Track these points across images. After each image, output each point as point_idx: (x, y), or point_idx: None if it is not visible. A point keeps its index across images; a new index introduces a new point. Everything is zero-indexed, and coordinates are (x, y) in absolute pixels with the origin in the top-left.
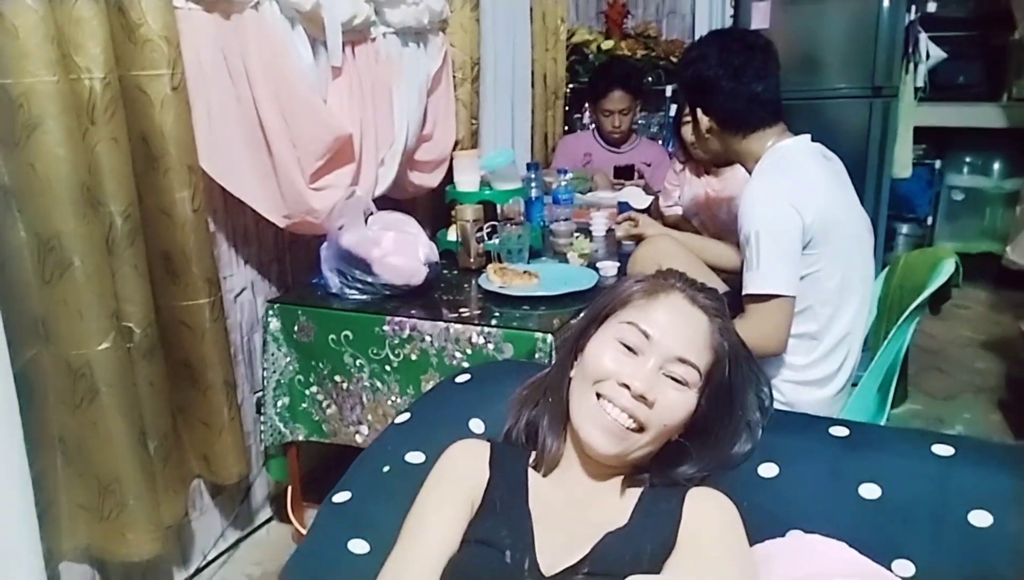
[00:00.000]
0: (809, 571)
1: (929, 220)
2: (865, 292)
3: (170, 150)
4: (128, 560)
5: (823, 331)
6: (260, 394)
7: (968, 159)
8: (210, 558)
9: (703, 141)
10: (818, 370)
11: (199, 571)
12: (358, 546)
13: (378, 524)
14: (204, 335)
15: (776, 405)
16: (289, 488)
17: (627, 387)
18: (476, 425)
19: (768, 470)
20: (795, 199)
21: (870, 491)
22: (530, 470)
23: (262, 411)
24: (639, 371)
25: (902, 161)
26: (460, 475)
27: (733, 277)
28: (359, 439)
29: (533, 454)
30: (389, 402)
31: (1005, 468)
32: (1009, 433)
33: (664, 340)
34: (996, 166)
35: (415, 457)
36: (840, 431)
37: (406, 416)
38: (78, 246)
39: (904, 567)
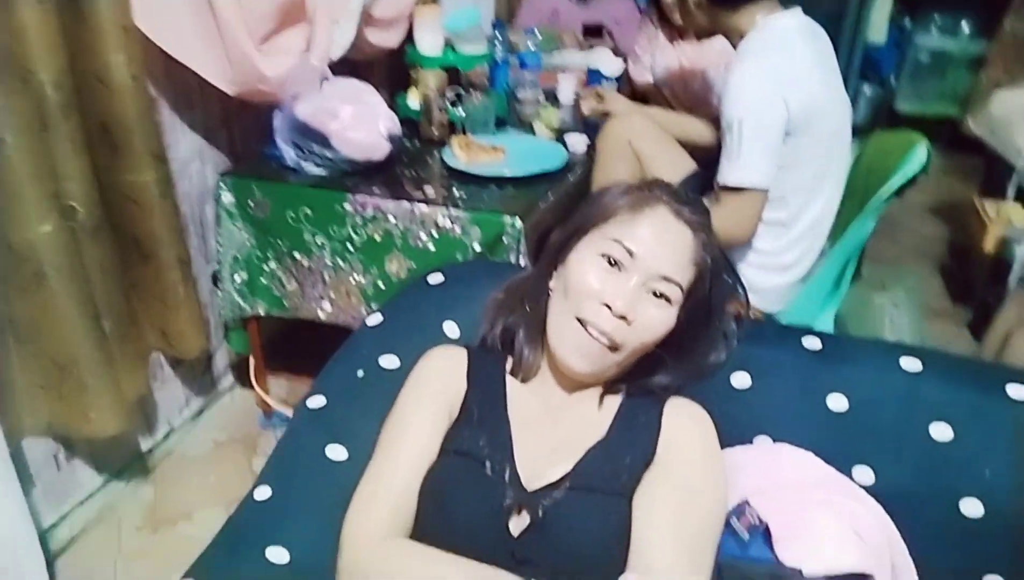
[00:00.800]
0: (776, 479)
1: (893, 81)
2: (839, 181)
3: (100, 8)
4: (92, 437)
5: (793, 220)
6: (216, 268)
7: (938, 18)
8: (175, 426)
9: (688, 15)
10: (784, 257)
11: (165, 438)
12: (336, 452)
13: (355, 430)
14: (153, 211)
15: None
16: (251, 359)
17: (608, 307)
18: (450, 328)
19: (741, 379)
20: (782, 87)
21: (838, 402)
22: (508, 377)
23: (219, 285)
24: (621, 289)
25: (877, 25)
26: (437, 383)
27: (705, 154)
28: (323, 315)
29: (510, 360)
30: (352, 280)
31: (969, 383)
32: (947, 298)
33: (648, 257)
34: (965, 26)
35: (389, 361)
36: (813, 343)
37: (378, 318)
38: (8, 122)
39: (864, 473)
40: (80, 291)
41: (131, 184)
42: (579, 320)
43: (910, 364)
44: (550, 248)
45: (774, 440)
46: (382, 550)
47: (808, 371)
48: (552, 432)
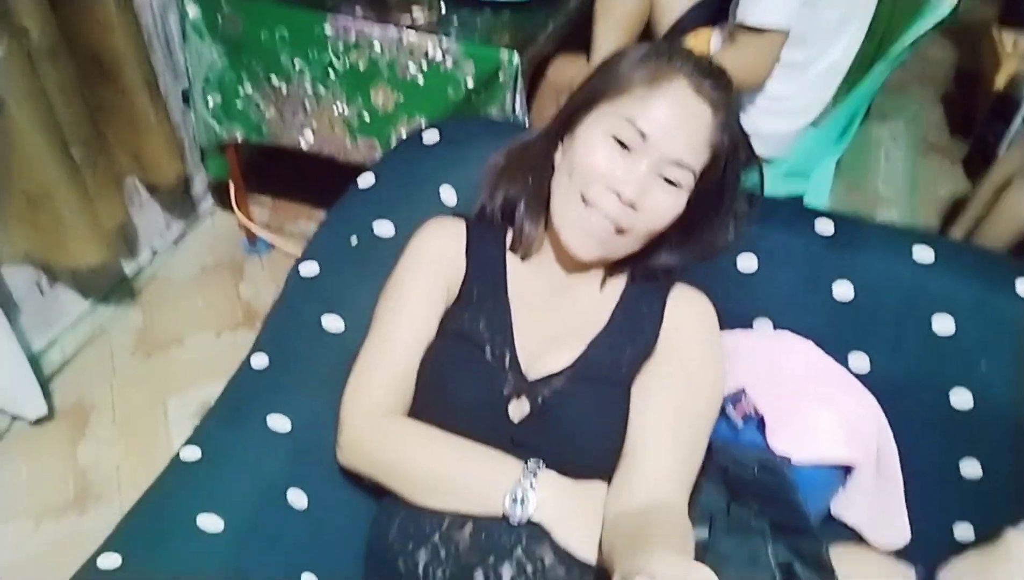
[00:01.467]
0: (774, 369)
1: None
2: (864, 22)
3: None
4: (74, 267)
5: (811, 62)
6: (186, 87)
7: None
8: (158, 250)
9: None
10: (795, 101)
11: (149, 263)
12: (332, 322)
13: (350, 300)
14: (112, 27)
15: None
16: (231, 184)
17: (616, 194)
18: (447, 193)
19: (747, 262)
20: None
21: (843, 290)
22: (508, 254)
23: (191, 105)
24: (631, 174)
25: None
26: (435, 260)
27: None
28: (304, 145)
29: (510, 234)
30: (335, 110)
31: (979, 276)
32: (945, 130)
33: (661, 141)
34: None
35: (384, 228)
36: (826, 228)
37: (370, 179)
38: None
39: (861, 360)
40: (42, 118)
41: None
42: (583, 198)
43: (922, 254)
44: (557, 120)
45: (775, 325)
46: (380, 428)
47: (817, 257)
48: (553, 317)
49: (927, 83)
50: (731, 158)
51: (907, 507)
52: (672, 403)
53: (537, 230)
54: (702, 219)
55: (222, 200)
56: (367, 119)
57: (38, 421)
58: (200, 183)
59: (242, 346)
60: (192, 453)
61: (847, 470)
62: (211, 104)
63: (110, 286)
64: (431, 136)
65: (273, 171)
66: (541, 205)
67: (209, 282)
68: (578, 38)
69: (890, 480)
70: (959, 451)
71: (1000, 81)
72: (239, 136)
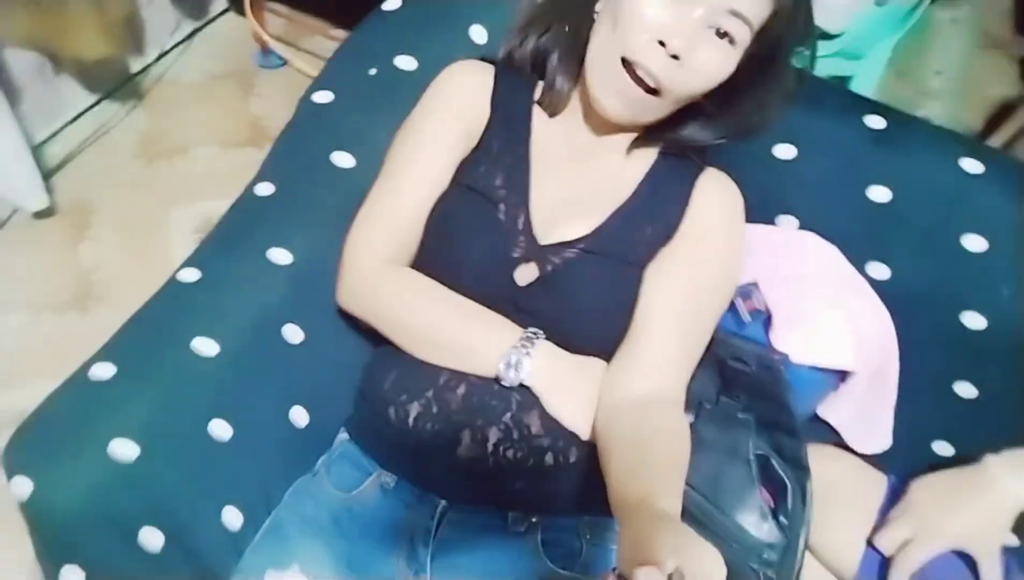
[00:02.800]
0: (790, 269)
1: None
2: None
3: None
4: (78, 56)
5: None
6: None
7: None
8: (166, 49)
9: None
10: None
11: (156, 61)
12: (342, 159)
13: (364, 136)
14: None
15: None
16: None
17: (662, 44)
18: (478, 33)
19: (785, 151)
20: None
21: (880, 193)
22: (535, 107)
23: None
24: (682, 23)
25: None
26: (458, 105)
27: None
28: None
29: (540, 86)
30: None
31: None
32: (1010, 23)
33: None
34: None
35: (406, 62)
36: (877, 122)
37: (396, 3)
38: None
39: (879, 270)
40: None
41: None
42: (624, 60)
43: (970, 165)
44: None
45: (801, 224)
46: (381, 275)
47: (860, 154)
48: (574, 181)
49: None
50: (792, 17)
51: (894, 418)
52: (684, 290)
53: (568, 84)
54: (746, 89)
55: (236, 2)
56: None
57: (39, 214)
58: None
59: (248, 165)
60: (191, 274)
61: (843, 375)
62: None
63: (115, 83)
64: None
65: None
66: (576, 57)
67: (217, 91)
68: None
69: (884, 390)
70: (957, 371)
71: None
72: None
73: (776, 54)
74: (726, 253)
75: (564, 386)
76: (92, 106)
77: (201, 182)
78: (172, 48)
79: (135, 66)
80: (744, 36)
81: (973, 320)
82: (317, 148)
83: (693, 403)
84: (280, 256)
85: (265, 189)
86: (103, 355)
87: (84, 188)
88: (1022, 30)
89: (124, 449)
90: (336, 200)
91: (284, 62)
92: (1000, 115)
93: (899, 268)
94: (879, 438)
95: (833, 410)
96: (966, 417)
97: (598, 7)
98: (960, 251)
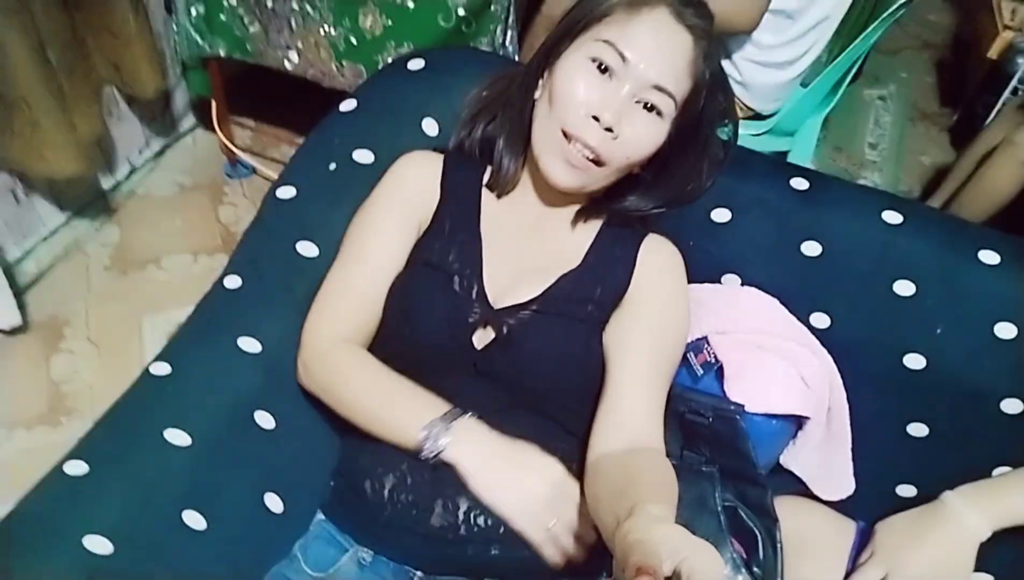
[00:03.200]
0: (737, 322)
1: None
2: None
3: None
4: (50, 176)
5: (803, 10)
6: None
7: None
8: (136, 165)
9: None
10: (784, 52)
11: (127, 178)
12: (306, 248)
13: (326, 226)
14: None
15: (731, 83)
16: (213, 102)
17: (596, 119)
18: (429, 125)
19: (721, 215)
20: None
21: (812, 248)
22: (484, 190)
23: (173, 14)
24: (611, 99)
25: None
26: (410, 191)
27: None
28: (289, 65)
29: (488, 170)
30: (321, 31)
31: (944, 244)
32: (936, 98)
33: (642, 65)
34: None
35: (363, 156)
36: (801, 184)
37: (352, 104)
38: None
39: (821, 319)
40: (22, 20)
41: None
42: (564, 133)
43: (891, 217)
44: (538, 53)
45: (743, 281)
46: (329, 355)
47: (789, 213)
48: (525, 253)
49: (923, 48)
50: (711, 92)
51: (855, 463)
52: (646, 345)
53: (515, 166)
54: (678, 158)
55: (203, 118)
56: (354, 43)
57: (12, 331)
58: (181, 99)
59: (219, 270)
60: (162, 368)
61: (799, 423)
62: (194, 15)
63: (87, 200)
64: (416, 63)
65: (257, 93)
66: (520, 140)
67: (188, 202)
68: None
69: (839, 435)
70: (908, 413)
71: (995, 50)
72: (222, 51)
73: (700, 125)
74: (674, 306)
75: (486, 466)
76: (64, 223)
77: (173, 290)
78: (142, 164)
79: (106, 183)
80: (669, 108)
81: (915, 361)
82: (282, 239)
83: None
84: (249, 344)
85: (233, 282)
86: (76, 452)
87: (57, 302)
88: (947, 103)
89: (98, 545)
90: (302, 287)
91: (252, 171)
92: (936, 180)
93: (839, 317)
94: (842, 484)
95: (794, 459)
96: (922, 457)
97: (536, 94)
98: (893, 297)
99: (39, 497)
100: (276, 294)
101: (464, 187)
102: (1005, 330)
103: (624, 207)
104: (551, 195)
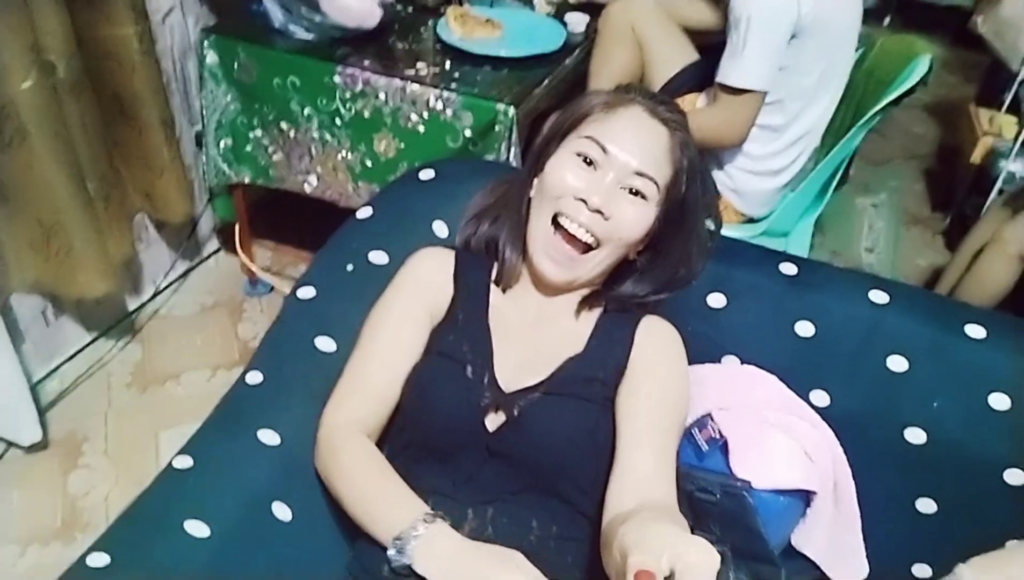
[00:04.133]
0: (738, 398)
1: None
2: (839, 87)
3: None
4: (81, 297)
5: (788, 125)
6: (200, 129)
7: None
8: (161, 287)
9: None
10: (773, 162)
11: (151, 299)
12: (325, 343)
13: (344, 323)
14: (134, 69)
15: (722, 189)
16: (236, 226)
17: (584, 202)
18: (440, 228)
19: (716, 300)
20: None
21: (805, 328)
22: (492, 285)
23: (203, 147)
24: (597, 185)
25: None
26: (425, 284)
27: (707, 38)
28: (308, 189)
29: (494, 266)
30: (339, 156)
31: (931, 320)
32: (927, 204)
33: (623, 154)
34: None
35: (379, 257)
36: (789, 269)
37: (368, 211)
38: None
39: (820, 396)
40: (63, 150)
41: (111, 39)
42: (556, 219)
43: (878, 297)
44: (531, 156)
45: (742, 361)
46: (342, 445)
47: (781, 296)
48: (531, 343)
49: (910, 158)
50: (691, 180)
51: (867, 544)
52: (646, 408)
53: (517, 261)
54: (668, 243)
55: (226, 242)
56: (369, 165)
57: (32, 448)
58: (206, 225)
59: None
60: (184, 462)
61: (807, 500)
62: (222, 146)
63: (112, 320)
64: (427, 173)
65: (277, 216)
66: (520, 237)
67: (209, 321)
68: (574, 95)
69: (848, 514)
70: (915, 488)
71: (977, 156)
72: (247, 178)
73: (685, 211)
74: (674, 375)
75: (456, 574)
76: (89, 343)
77: (192, 405)
78: (167, 286)
79: (132, 304)
80: (652, 192)
81: (916, 435)
82: (301, 336)
83: None
84: (269, 437)
85: (255, 377)
86: (98, 545)
87: (77, 419)
88: (937, 208)
89: None
90: (320, 381)
91: (271, 289)
92: (933, 281)
93: (837, 394)
94: (855, 566)
95: (806, 540)
96: (934, 534)
97: (531, 192)
98: (888, 373)
99: None
100: (295, 388)
101: (475, 281)
102: (999, 401)
103: (621, 293)
104: (550, 289)
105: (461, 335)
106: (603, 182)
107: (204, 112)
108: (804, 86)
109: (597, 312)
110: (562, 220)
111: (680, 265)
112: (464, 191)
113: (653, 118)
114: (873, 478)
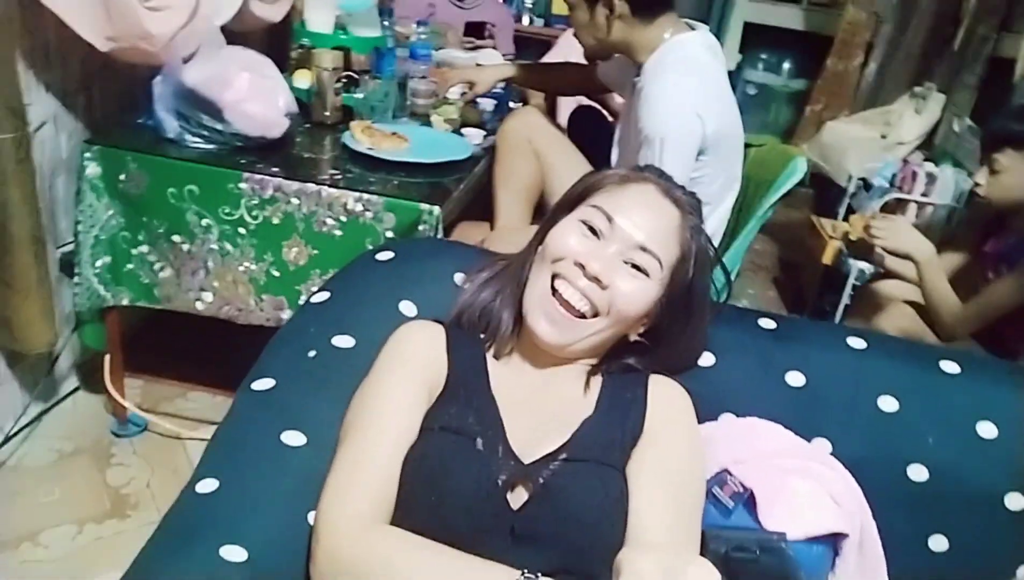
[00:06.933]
0: (751, 449)
1: None
2: (734, 193)
3: None
4: None
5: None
6: (68, 249)
7: (764, 56)
8: (9, 434)
9: (596, 28)
10: None
11: None
12: (293, 438)
13: (313, 415)
14: (7, 178)
15: None
16: (107, 357)
17: (583, 268)
18: (407, 307)
19: (706, 359)
20: (701, 107)
21: (796, 378)
22: (487, 356)
23: (76, 269)
24: (598, 254)
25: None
26: (418, 358)
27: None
28: (200, 306)
29: (487, 339)
30: (242, 268)
31: (909, 360)
32: (783, 306)
33: (627, 226)
34: (786, 66)
35: (343, 341)
36: (768, 323)
37: (324, 295)
38: None
39: (822, 444)
40: None
41: None
42: (553, 281)
43: (856, 342)
44: (540, 227)
45: (738, 416)
46: (364, 539)
47: (767, 350)
48: (541, 409)
49: (758, 271)
50: (700, 266)
51: None
52: (669, 488)
53: (511, 324)
54: (674, 327)
55: (86, 380)
56: (276, 274)
57: None
58: (66, 358)
59: (111, 537)
60: None
61: (835, 547)
62: (99, 266)
63: None
64: (385, 254)
65: (155, 345)
66: (517, 303)
67: (70, 469)
68: (476, 206)
69: (871, 557)
70: (925, 526)
71: (827, 257)
72: (126, 300)
73: (693, 297)
74: (692, 440)
75: None
76: None
77: (57, 566)
78: (15, 432)
79: None
80: (655, 269)
81: (918, 472)
82: (263, 432)
83: None
84: (234, 553)
85: (208, 486)
86: None
87: None
88: (793, 309)
89: None
90: (290, 482)
91: (143, 428)
92: None
93: (837, 439)
94: None
95: None
96: (950, 572)
97: (534, 258)
98: (881, 413)
99: None
100: (260, 492)
101: (469, 354)
102: (987, 430)
103: (625, 364)
104: (548, 359)
105: (465, 408)
106: (605, 252)
107: (79, 228)
108: (710, 193)
109: (600, 376)
110: (558, 283)
111: (686, 350)
112: (428, 270)
113: (665, 197)
114: (884, 519)
